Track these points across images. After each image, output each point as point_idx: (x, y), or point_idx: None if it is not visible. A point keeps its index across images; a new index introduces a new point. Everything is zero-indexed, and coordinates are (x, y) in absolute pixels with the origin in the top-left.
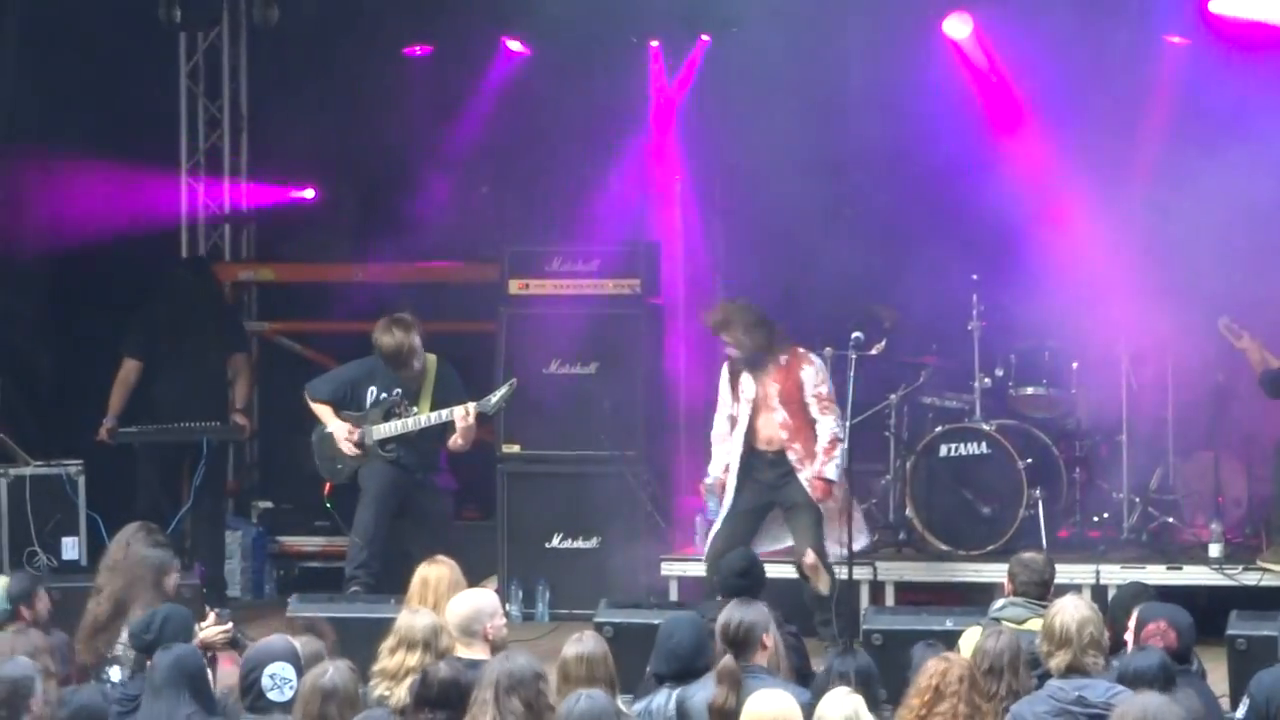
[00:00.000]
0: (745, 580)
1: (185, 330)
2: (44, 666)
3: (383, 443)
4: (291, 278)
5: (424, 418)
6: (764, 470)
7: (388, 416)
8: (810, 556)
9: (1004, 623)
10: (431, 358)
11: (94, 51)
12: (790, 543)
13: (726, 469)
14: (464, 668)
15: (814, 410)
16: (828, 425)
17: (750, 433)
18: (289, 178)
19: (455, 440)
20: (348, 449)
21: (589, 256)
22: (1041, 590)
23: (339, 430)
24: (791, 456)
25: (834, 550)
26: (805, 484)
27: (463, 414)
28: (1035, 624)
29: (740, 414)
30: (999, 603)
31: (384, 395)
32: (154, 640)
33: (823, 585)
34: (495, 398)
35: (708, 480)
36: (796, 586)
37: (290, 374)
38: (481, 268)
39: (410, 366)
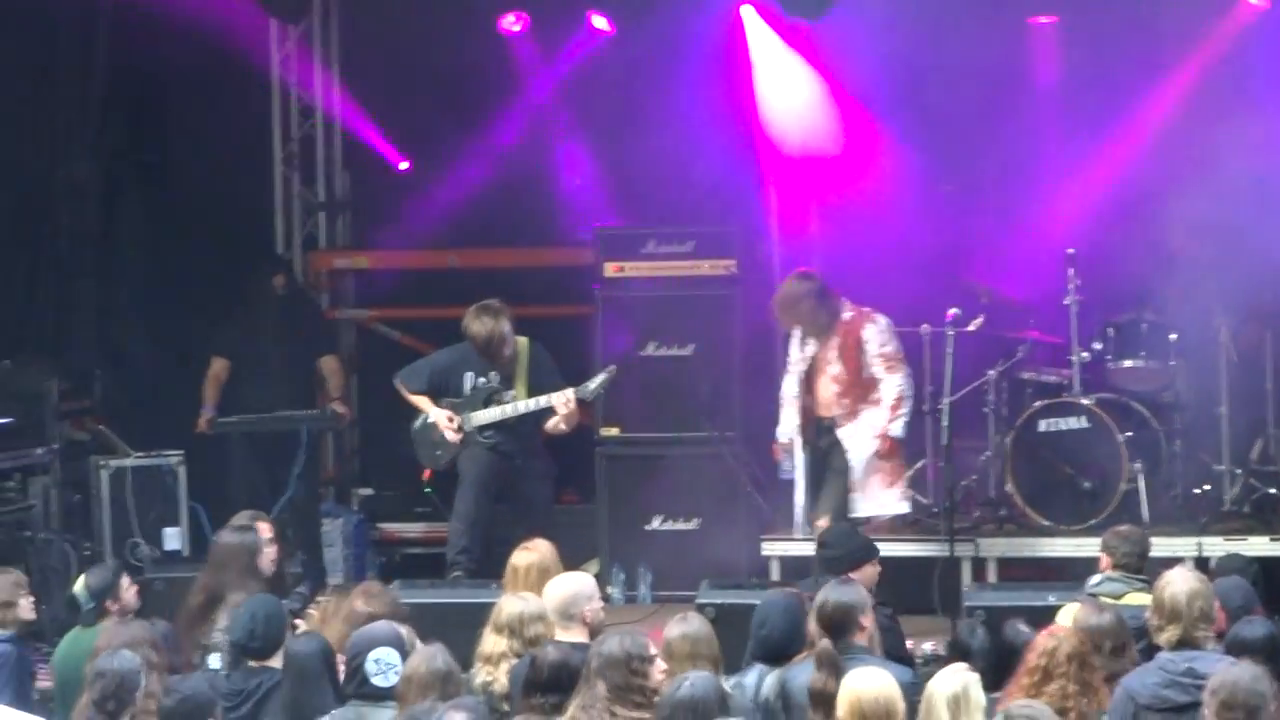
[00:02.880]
0: (852, 544)
1: (269, 334)
2: (147, 658)
3: (481, 429)
4: (387, 264)
5: (524, 404)
6: (821, 435)
7: (488, 403)
8: (825, 521)
9: (1102, 598)
10: (523, 341)
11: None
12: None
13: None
14: (571, 650)
15: (878, 369)
16: (894, 383)
17: (808, 396)
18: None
19: (557, 424)
20: (450, 436)
21: (684, 238)
22: (1140, 563)
23: (440, 418)
24: (837, 411)
25: (883, 511)
26: (844, 441)
27: (563, 400)
28: (1133, 598)
29: (807, 375)
30: (1096, 578)
31: (482, 380)
32: (261, 645)
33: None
34: (594, 384)
35: (781, 439)
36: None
37: (389, 361)
38: (576, 251)
39: (502, 354)
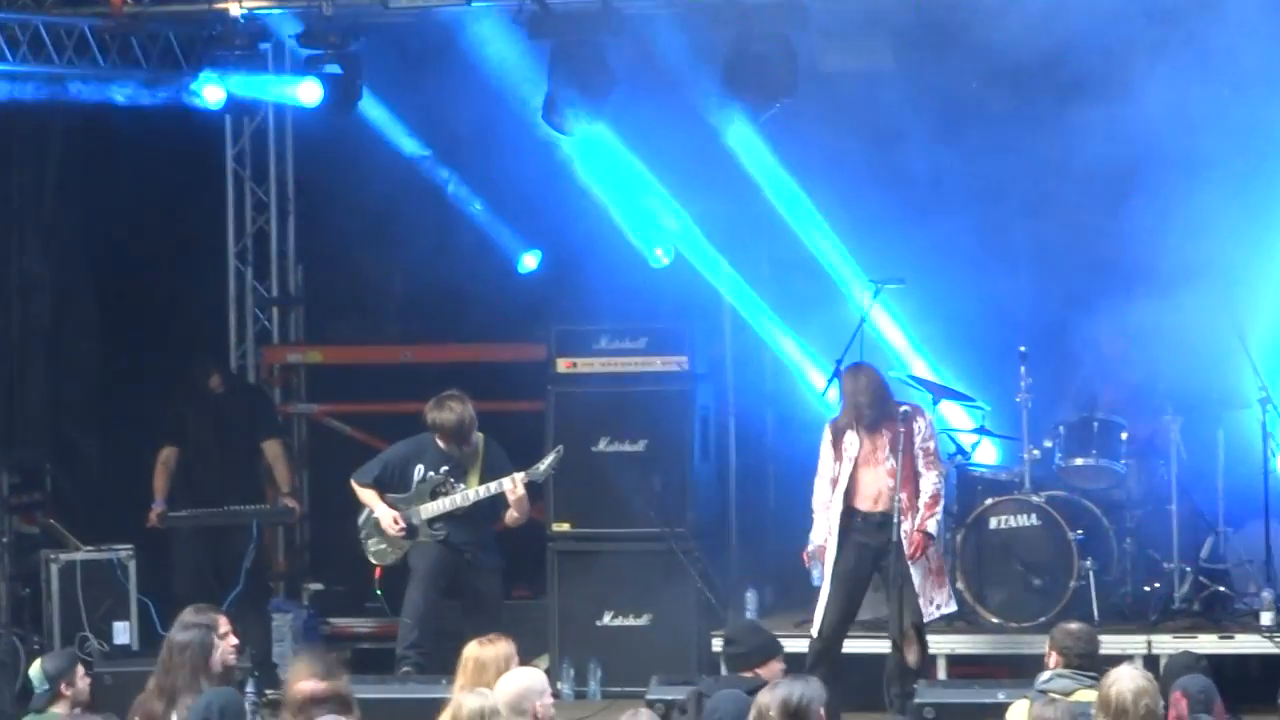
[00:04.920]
0: (756, 639)
1: (210, 430)
2: None
3: (431, 521)
4: (339, 359)
5: (472, 493)
6: (869, 532)
7: (435, 495)
8: (910, 629)
9: (1051, 694)
10: (480, 435)
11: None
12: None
13: (828, 535)
14: None
15: (920, 464)
16: (931, 480)
17: (850, 492)
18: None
19: (511, 514)
20: (393, 533)
21: (636, 334)
22: (1088, 661)
23: (385, 516)
24: (897, 503)
25: (944, 611)
26: (904, 537)
27: (511, 485)
28: (1082, 695)
29: (842, 473)
30: (1045, 674)
31: (431, 474)
32: None
33: (913, 657)
34: (544, 465)
35: (810, 548)
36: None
37: (340, 455)
38: (529, 348)
39: (470, 440)
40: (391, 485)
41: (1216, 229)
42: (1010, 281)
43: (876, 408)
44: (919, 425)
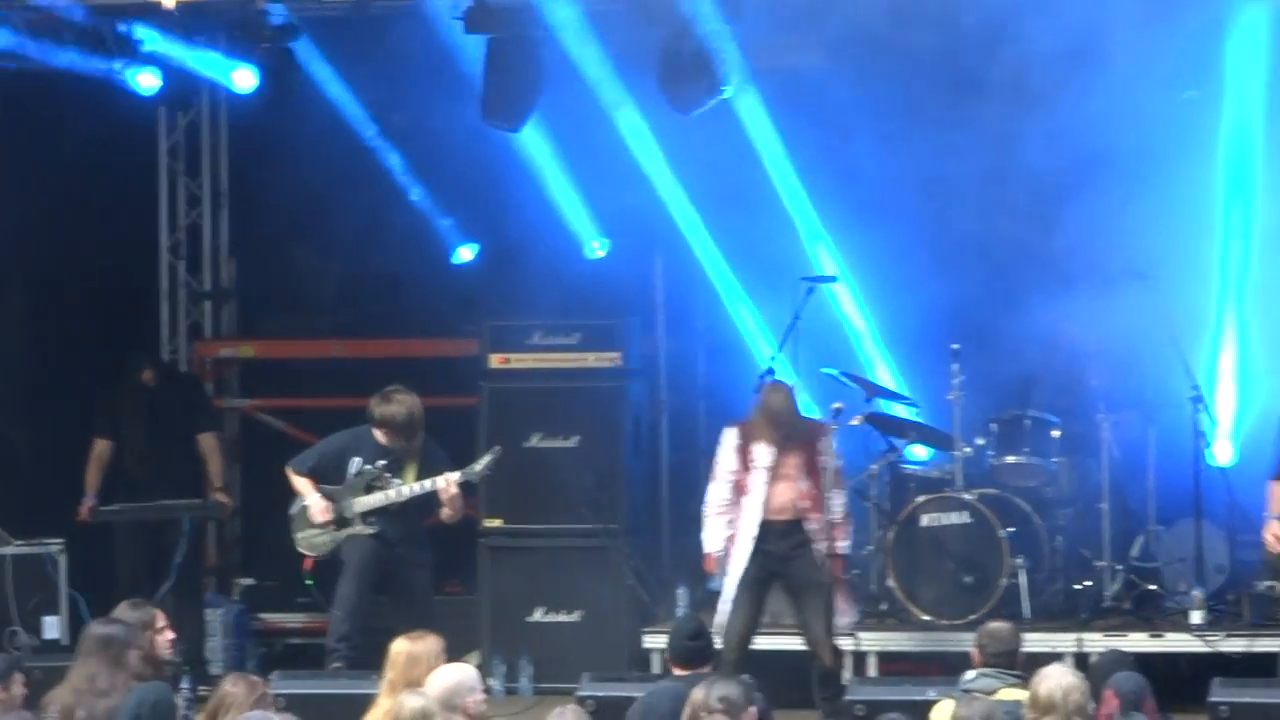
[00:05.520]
0: (698, 642)
1: (144, 424)
2: None
3: (364, 515)
4: (272, 354)
5: (408, 489)
6: (774, 541)
7: (370, 489)
8: (824, 634)
9: (975, 693)
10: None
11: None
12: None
13: (731, 539)
14: None
15: (827, 481)
16: (840, 500)
17: (758, 502)
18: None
19: (445, 512)
20: (320, 522)
21: (570, 330)
22: (1006, 659)
23: (315, 505)
24: (810, 528)
25: (847, 620)
26: (818, 558)
27: (444, 483)
28: (1006, 693)
29: (754, 481)
30: (970, 674)
31: (367, 467)
32: None
33: (830, 660)
34: (480, 465)
35: (714, 553)
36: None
37: (273, 451)
38: (462, 343)
39: (418, 435)
40: (327, 476)
41: (1151, 231)
42: (945, 280)
43: (791, 425)
44: (824, 444)
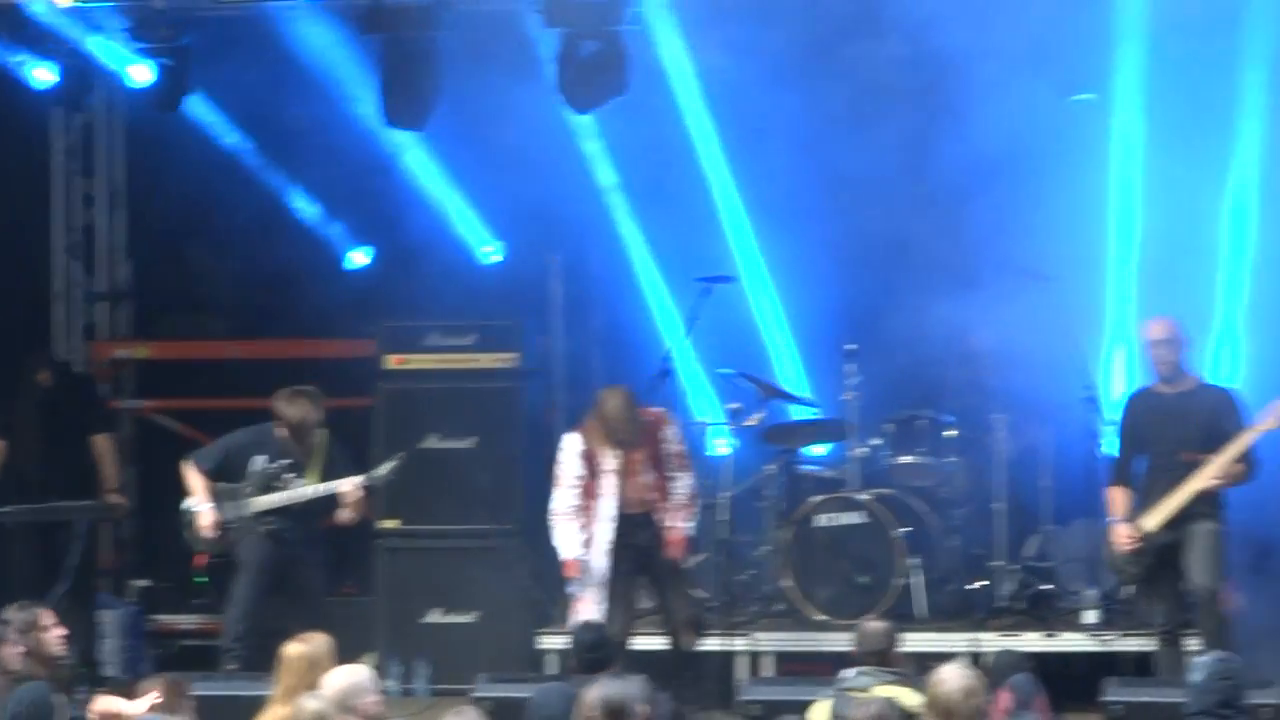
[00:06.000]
0: (599, 653)
1: (38, 426)
2: None
3: (262, 515)
4: (168, 355)
5: (310, 489)
6: (632, 533)
7: (270, 488)
8: (686, 617)
9: (852, 692)
10: (322, 432)
11: None
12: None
13: (587, 544)
14: None
15: (672, 467)
16: (686, 482)
17: (612, 500)
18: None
19: (344, 513)
20: (205, 534)
21: (466, 330)
22: (877, 658)
23: (205, 519)
24: (659, 517)
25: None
26: (664, 538)
27: (349, 486)
28: (880, 690)
29: (604, 485)
30: (850, 672)
31: (269, 466)
32: None
33: (689, 642)
34: (384, 470)
35: (571, 558)
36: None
37: (169, 452)
38: (358, 343)
39: (310, 440)
40: (228, 473)
41: (1051, 233)
42: (847, 280)
43: (631, 428)
44: (667, 432)
